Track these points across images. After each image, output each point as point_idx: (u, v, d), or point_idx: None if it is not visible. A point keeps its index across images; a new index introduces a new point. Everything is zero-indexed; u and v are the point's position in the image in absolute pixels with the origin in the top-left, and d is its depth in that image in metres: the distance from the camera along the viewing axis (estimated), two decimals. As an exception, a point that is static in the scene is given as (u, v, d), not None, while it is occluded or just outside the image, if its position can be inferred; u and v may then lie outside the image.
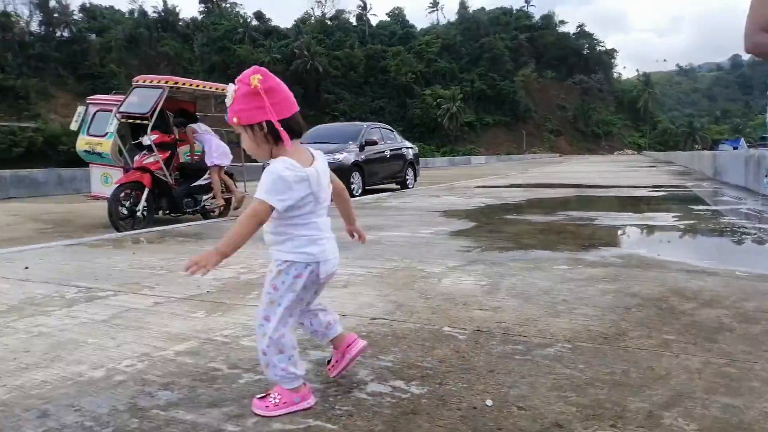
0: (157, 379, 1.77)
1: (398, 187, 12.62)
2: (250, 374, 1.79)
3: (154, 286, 3.13)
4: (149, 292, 2.99)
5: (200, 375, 1.80)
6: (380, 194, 10.45)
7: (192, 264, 1.42)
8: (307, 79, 78.11)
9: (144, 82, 6.68)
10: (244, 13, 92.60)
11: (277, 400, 1.54)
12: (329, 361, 1.76)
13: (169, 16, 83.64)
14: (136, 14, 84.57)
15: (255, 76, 1.46)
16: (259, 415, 1.51)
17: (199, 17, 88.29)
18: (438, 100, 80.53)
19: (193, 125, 7.01)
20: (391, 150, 12.08)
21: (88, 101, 7.30)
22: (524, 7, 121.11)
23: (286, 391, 1.55)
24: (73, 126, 6.98)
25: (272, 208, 1.46)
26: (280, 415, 1.51)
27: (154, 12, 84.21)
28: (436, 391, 1.64)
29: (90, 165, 7.11)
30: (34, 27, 73.81)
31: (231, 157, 7.34)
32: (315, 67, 77.48)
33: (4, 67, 66.95)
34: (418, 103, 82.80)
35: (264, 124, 1.47)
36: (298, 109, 1.55)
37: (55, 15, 73.45)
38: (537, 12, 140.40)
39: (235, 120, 1.50)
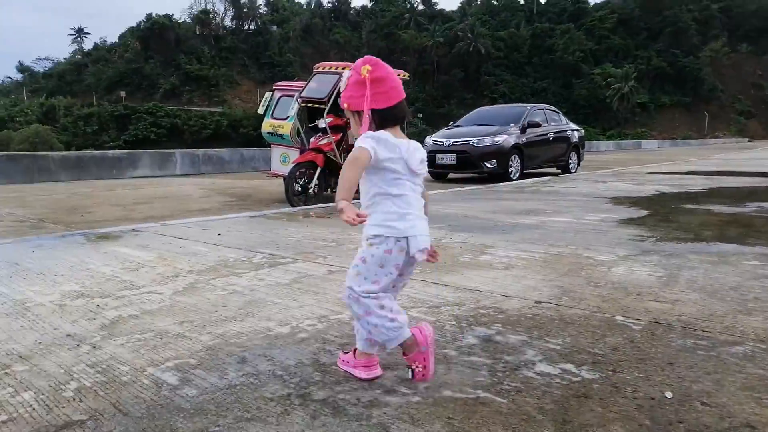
0: (335, 339, 1.93)
1: (559, 171, 12.07)
2: (418, 344, 1.87)
3: (326, 256, 3.38)
4: (323, 261, 3.24)
5: (372, 340, 1.92)
6: (539, 178, 10.10)
7: (350, 221, 1.43)
8: (468, 61, 77.49)
9: (323, 69, 7.15)
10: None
11: (353, 362, 1.63)
12: (412, 373, 1.60)
13: (341, 5, 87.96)
14: (312, 5, 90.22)
15: (365, 67, 1.53)
16: (343, 369, 1.65)
17: (369, 4, 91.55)
18: (608, 79, 74.97)
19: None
20: (554, 132, 11.56)
21: (274, 87, 8.00)
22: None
23: (364, 355, 1.62)
24: (260, 110, 7.70)
25: (370, 157, 1.49)
26: (354, 373, 1.62)
27: (329, 2, 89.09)
28: (609, 378, 1.58)
29: (271, 145, 7.80)
30: (227, 22, 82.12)
31: None
32: (477, 49, 76.48)
33: (201, 58, 75.47)
34: (584, 83, 77.96)
35: (370, 110, 1.53)
36: (404, 96, 1.59)
37: (245, 10, 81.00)
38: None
39: (345, 105, 1.58)
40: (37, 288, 2.68)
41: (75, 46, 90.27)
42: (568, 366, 1.67)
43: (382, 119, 1.55)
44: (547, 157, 11.45)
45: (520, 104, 13.34)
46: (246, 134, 56.45)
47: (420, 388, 1.54)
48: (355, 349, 1.66)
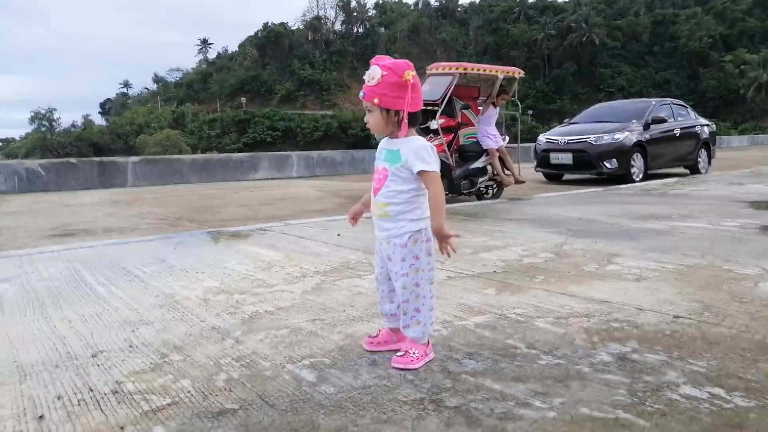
0: (461, 348, 1.94)
1: (687, 172, 11.19)
2: (549, 356, 1.83)
3: (443, 260, 3.36)
4: (440, 266, 3.25)
5: (500, 349, 1.91)
6: (666, 179, 9.43)
7: (449, 251, 1.75)
8: (581, 53, 74.05)
9: (436, 70, 7.18)
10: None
11: (417, 354, 1.78)
12: (376, 335, 1.96)
13: (448, 3, 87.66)
14: (420, 5, 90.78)
15: (409, 72, 1.69)
16: (404, 369, 1.75)
17: (477, 1, 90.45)
18: (742, 67, 68.14)
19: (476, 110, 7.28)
20: (681, 128, 10.71)
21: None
22: None
23: (422, 346, 1.80)
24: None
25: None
26: (421, 366, 1.76)
27: (436, 1, 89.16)
28: None
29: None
30: (337, 26, 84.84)
31: (507, 138, 7.48)
32: (591, 39, 72.80)
33: (313, 63, 78.53)
34: (714, 72, 71.45)
35: (401, 111, 1.71)
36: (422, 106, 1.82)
37: (354, 14, 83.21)
38: None
39: (376, 101, 1.71)
40: (183, 283, 2.94)
41: (201, 56, 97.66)
42: (718, 390, 1.56)
43: (411, 121, 1.76)
44: (674, 155, 10.64)
45: (643, 99, 12.51)
46: (354, 135, 58.13)
47: (555, 403, 1.51)
48: (408, 345, 1.82)
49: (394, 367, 1.77)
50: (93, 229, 5.54)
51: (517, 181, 7.46)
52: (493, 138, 7.08)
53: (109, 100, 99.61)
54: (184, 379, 1.74)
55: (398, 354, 1.81)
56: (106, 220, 6.20)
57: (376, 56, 1.79)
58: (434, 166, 1.73)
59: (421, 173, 1.72)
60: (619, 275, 2.91)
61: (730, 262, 3.13)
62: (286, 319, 2.30)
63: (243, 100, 72.75)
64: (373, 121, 1.77)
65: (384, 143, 1.84)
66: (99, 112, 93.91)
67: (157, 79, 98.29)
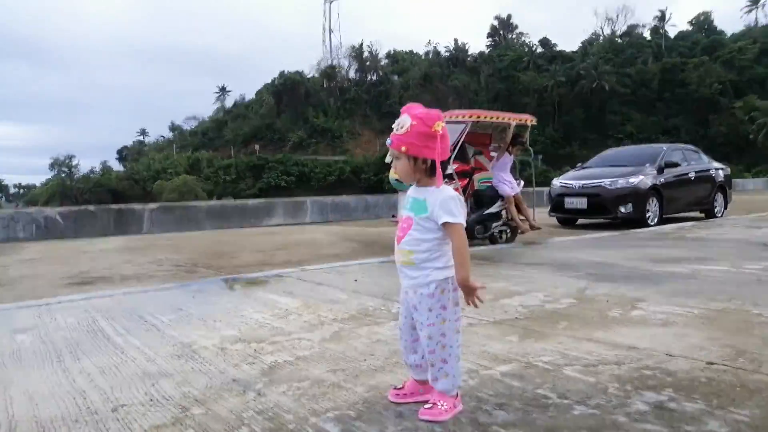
0: (490, 398, 1.88)
1: (703, 216, 11.08)
2: (582, 406, 1.76)
3: (463, 306, 3.34)
4: (461, 313, 3.20)
5: (530, 400, 1.85)
6: (683, 223, 9.33)
7: (474, 303, 1.75)
8: (591, 99, 74.88)
9: (449, 117, 7.28)
10: (530, 41, 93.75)
11: (446, 407, 1.73)
12: (401, 387, 1.91)
13: (459, 53, 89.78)
14: (430, 55, 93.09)
15: (439, 123, 1.69)
16: (433, 421, 1.69)
17: (486, 51, 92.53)
18: (752, 113, 68.35)
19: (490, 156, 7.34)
20: (696, 172, 10.68)
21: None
22: None
23: (451, 398, 1.76)
24: (388, 159, 7.96)
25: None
26: (449, 419, 1.70)
27: (446, 51, 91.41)
28: (818, 464, 1.38)
29: (399, 192, 7.99)
30: (351, 74, 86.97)
31: (522, 182, 7.49)
32: (601, 86, 73.74)
33: (326, 111, 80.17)
34: (723, 118, 71.70)
35: (429, 160, 1.71)
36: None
37: (367, 63, 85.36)
38: None
39: (403, 149, 1.71)
40: (200, 332, 2.91)
41: (218, 104, 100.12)
42: (764, 443, 1.49)
43: (443, 169, 1.76)
44: (689, 199, 10.57)
45: (655, 144, 12.54)
46: (367, 179, 58.64)
47: (593, 458, 1.44)
48: (436, 397, 1.77)
49: (421, 419, 1.71)
50: (110, 276, 5.55)
51: (533, 227, 7.43)
52: (509, 184, 7.10)
53: (126, 147, 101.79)
54: (205, 432, 1.69)
55: (426, 406, 1.76)
56: (123, 267, 6.23)
57: (408, 104, 1.79)
58: (460, 219, 1.72)
59: (446, 225, 1.71)
60: (645, 320, 2.84)
61: (759, 306, 3.05)
62: (307, 369, 2.25)
63: (256, 147, 74.01)
64: (400, 167, 1.77)
65: (412, 191, 1.82)
66: (116, 158, 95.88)
67: (173, 128, 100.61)
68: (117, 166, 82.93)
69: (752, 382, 1.92)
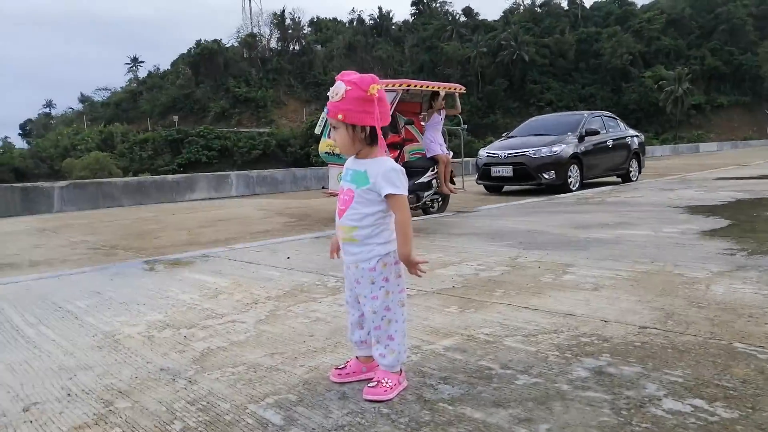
0: (434, 373, 1.84)
1: (620, 180, 11.67)
2: (525, 376, 1.76)
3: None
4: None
5: (474, 372, 1.83)
6: (602, 188, 9.78)
7: (416, 274, 1.68)
8: (513, 70, 76.80)
9: (380, 86, 7.14)
10: (453, 10, 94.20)
11: (390, 384, 1.68)
12: (343, 366, 1.84)
13: (383, 21, 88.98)
14: (354, 23, 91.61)
15: (375, 86, 1.62)
16: (378, 401, 1.63)
17: (410, 19, 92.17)
18: (660, 82, 72.51)
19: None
20: (613, 140, 11.20)
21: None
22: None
23: (395, 375, 1.71)
24: (317, 130, 7.75)
25: None
26: (395, 397, 1.65)
27: (371, 19, 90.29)
28: (751, 417, 1.43)
29: (329, 165, 7.83)
30: (273, 44, 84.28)
31: (451, 153, 7.54)
32: (521, 57, 75.67)
33: (249, 81, 77.56)
34: (635, 87, 75.71)
35: (367, 127, 1.64)
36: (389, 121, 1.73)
37: (290, 31, 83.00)
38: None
39: (340, 117, 1.63)
40: (123, 318, 2.71)
41: (131, 75, 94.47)
42: (699, 402, 1.53)
43: (377, 136, 1.68)
44: (607, 165, 11.08)
45: (576, 112, 13.00)
46: (294, 153, 57.51)
47: (541, 429, 1.43)
48: (380, 375, 1.72)
49: (366, 399, 1.65)
50: (18, 263, 5.11)
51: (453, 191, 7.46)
52: (440, 146, 7.12)
53: (30, 120, 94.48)
54: (133, 430, 1.56)
55: (370, 384, 1.70)
56: (32, 251, 5.76)
57: (342, 72, 1.70)
58: (403, 190, 1.66)
59: (389, 197, 1.64)
60: (577, 285, 2.92)
61: (679, 267, 3.21)
62: (242, 355, 2.13)
63: (175, 118, 70.70)
64: (339, 139, 1.68)
65: (350, 163, 1.74)
66: (19, 134, 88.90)
67: (83, 99, 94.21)
68: (20, 143, 76.90)
69: (681, 344, 1.99)
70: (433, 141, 7.15)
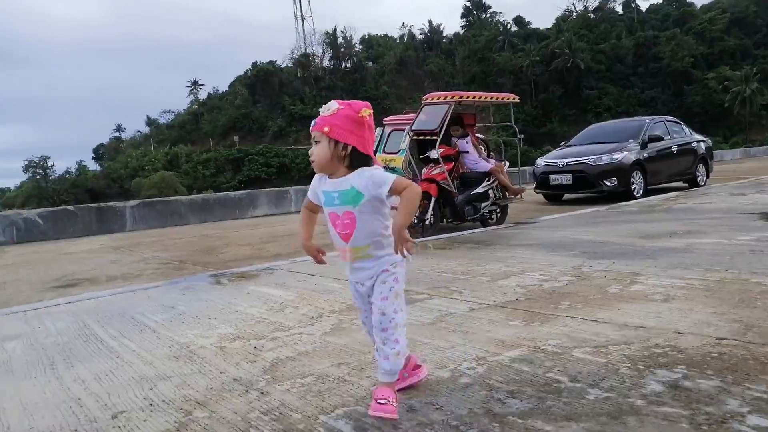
0: (501, 386, 1.83)
1: (686, 185, 11.21)
2: (596, 390, 1.73)
3: (461, 290, 3.30)
4: (459, 297, 3.16)
5: (542, 385, 1.81)
6: (668, 194, 9.41)
7: (401, 249, 1.64)
8: (567, 77, 75.24)
9: (431, 100, 7.19)
10: (504, 20, 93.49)
11: (394, 403, 1.65)
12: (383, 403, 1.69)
13: (434, 35, 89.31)
14: (405, 38, 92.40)
15: (366, 110, 1.65)
16: (386, 418, 1.62)
17: (461, 32, 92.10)
18: (725, 83, 69.21)
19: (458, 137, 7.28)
20: (678, 145, 10.79)
21: (384, 122, 8.17)
22: None
23: (392, 386, 1.70)
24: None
25: None
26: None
27: (421, 33, 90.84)
28: None
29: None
30: (325, 62, 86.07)
31: (507, 163, 7.50)
32: (576, 64, 74.08)
33: (303, 99, 79.35)
34: (698, 89, 72.58)
35: (349, 147, 1.64)
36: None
37: (342, 50, 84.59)
38: None
39: (326, 129, 1.63)
40: (196, 331, 2.83)
41: (192, 97, 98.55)
42: (787, 418, 1.46)
43: (358, 162, 1.66)
44: (672, 171, 10.68)
45: (637, 118, 12.61)
46: (349, 167, 58.25)
47: (617, 444, 1.41)
48: (385, 393, 1.67)
49: (373, 416, 1.64)
50: (96, 277, 5.42)
51: (518, 192, 7.42)
52: (484, 161, 7.13)
53: (102, 145, 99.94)
54: (212, 437, 1.63)
55: (380, 401, 1.65)
56: (108, 267, 6.09)
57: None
58: (392, 176, 1.65)
59: (392, 191, 1.63)
60: (646, 295, 2.83)
61: (756, 275, 3.05)
62: (310, 365, 2.19)
63: (236, 138, 73.14)
64: (317, 152, 1.67)
65: (328, 185, 1.71)
66: (92, 158, 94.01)
67: (149, 122, 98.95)
68: (93, 166, 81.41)
69: (764, 356, 1.90)
70: (476, 162, 7.14)
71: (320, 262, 1.86)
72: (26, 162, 68.47)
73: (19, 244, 9.85)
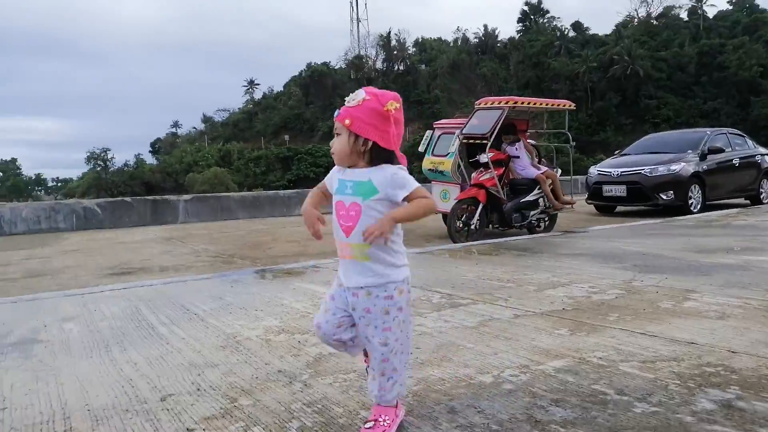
0: (545, 394, 1.81)
1: (748, 202, 10.72)
2: (644, 404, 1.68)
3: (507, 297, 3.27)
4: (504, 303, 3.13)
5: (587, 396, 1.77)
6: (728, 210, 9.03)
7: (372, 233, 1.47)
8: (625, 84, 73.05)
9: (485, 104, 7.15)
10: (562, 26, 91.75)
11: (388, 421, 1.57)
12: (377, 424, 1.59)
13: (488, 39, 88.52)
14: (459, 42, 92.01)
15: (394, 103, 1.52)
16: None
17: (516, 36, 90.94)
18: (796, 95, 65.73)
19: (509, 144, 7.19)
20: (740, 158, 10.33)
21: (434, 126, 8.18)
22: None
23: (391, 409, 1.59)
24: (421, 148, 7.90)
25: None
26: None
27: (476, 37, 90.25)
28: None
29: (432, 182, 7.92)
30: (378, 65, 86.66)
31: (559, 170, 7.35)
32: (635, 71, 71.84)
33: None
34: (766, 100, 69.15)
35: (369, 142, 1.51)
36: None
37: (395, 52, 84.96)
38: None
39: (347, 122, 1.51)
40: (242, 322, 2.91)
41: (247, 96, 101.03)
42: None
43: (380, 158, 1.54)
44: (733, 186, 10.24)
45: (697, 129, 12.15)
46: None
47: (663, 460, 1.37)
48: (378, 412, 1.59)
49: None
50: (149, 267, 5.63)
51: (568, 202, 7.28)
52: (533, 168, 7.02)
53: (159, 139, 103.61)
54: (255, 426, 1.67)
55: (367, 426, 1.57)
56: (161, 258, 6.32)
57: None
58: (415, 183, 1.53)
59: (408, 198, 1.51)
60: (700, 312, 2.73)
61: (822, 300, 2.90)
62: (353, 362, 2.21)
63: (286, 137, 74.53)
64: (337, 144, 1.56)
65: (346, 175, 1.58)
66: (150, 152, 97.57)
67: (205, 119, 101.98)
68: (150, 159, 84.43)
69: (827, 380, 1.80)
70: (524, 168, 7.04)
71: (316, 233, 1.64)
72: (88, 153, 71.63)
73: (78, 231, 10.35)
